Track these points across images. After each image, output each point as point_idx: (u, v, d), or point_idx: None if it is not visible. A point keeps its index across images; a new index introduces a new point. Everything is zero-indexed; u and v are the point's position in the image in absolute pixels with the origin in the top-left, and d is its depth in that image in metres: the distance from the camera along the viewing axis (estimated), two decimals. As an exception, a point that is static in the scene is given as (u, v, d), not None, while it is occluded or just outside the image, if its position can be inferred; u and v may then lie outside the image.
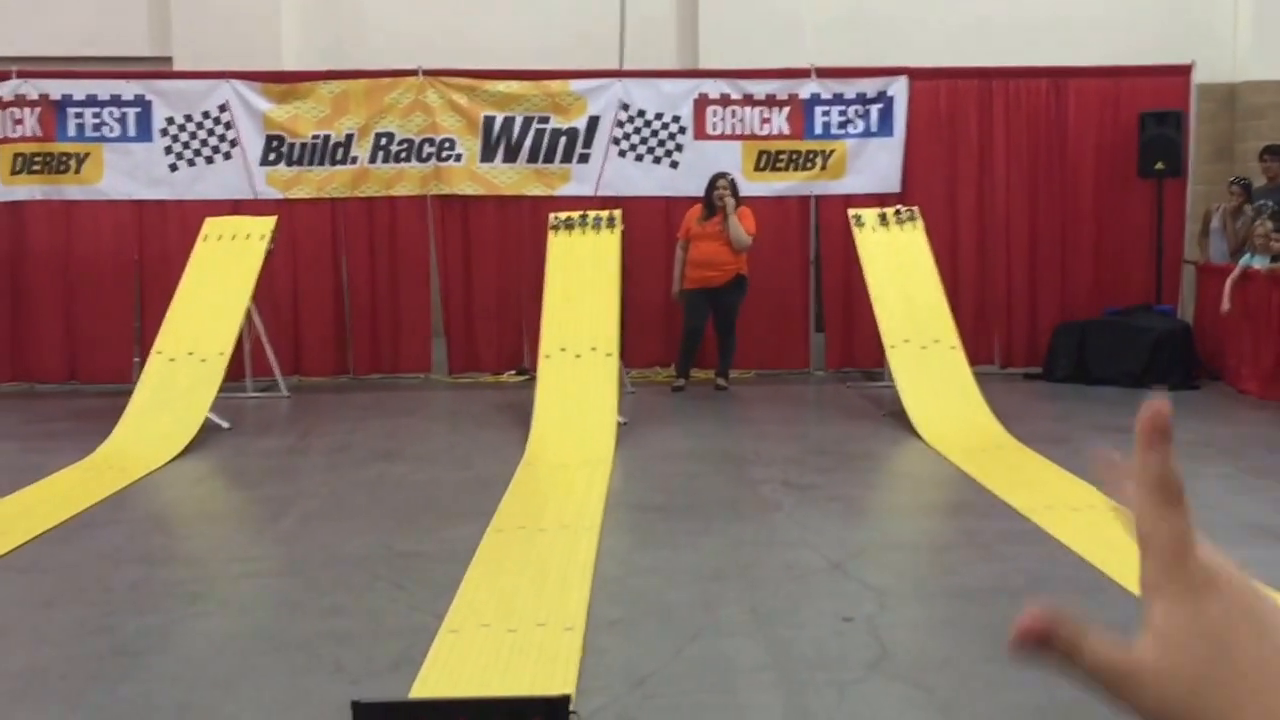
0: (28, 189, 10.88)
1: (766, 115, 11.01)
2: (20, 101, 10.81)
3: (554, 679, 3.84)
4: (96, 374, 10.83)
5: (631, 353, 10.81)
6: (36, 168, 10.87)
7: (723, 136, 10.99)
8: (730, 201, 9.93)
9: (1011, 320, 11.21)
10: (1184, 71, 11.02)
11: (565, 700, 3.24)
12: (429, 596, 4.77)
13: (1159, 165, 10.70)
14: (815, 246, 11.28)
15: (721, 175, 10.06)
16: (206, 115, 10.87)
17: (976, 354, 10.46)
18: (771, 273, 10.96)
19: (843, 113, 11.01)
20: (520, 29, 12.28)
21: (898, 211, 10.17)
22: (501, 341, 11.21)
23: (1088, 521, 5.84)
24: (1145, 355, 10.13)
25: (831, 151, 11.03)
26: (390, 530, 5.85)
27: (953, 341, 9.21)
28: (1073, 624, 0.66)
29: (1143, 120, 10.77)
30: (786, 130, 11.02)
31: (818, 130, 11.02)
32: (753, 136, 10.99)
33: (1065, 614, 0.66)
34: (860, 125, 11.01)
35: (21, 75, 10.85)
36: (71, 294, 10.93)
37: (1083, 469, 6.92)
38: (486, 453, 7.81)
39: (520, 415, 8.67)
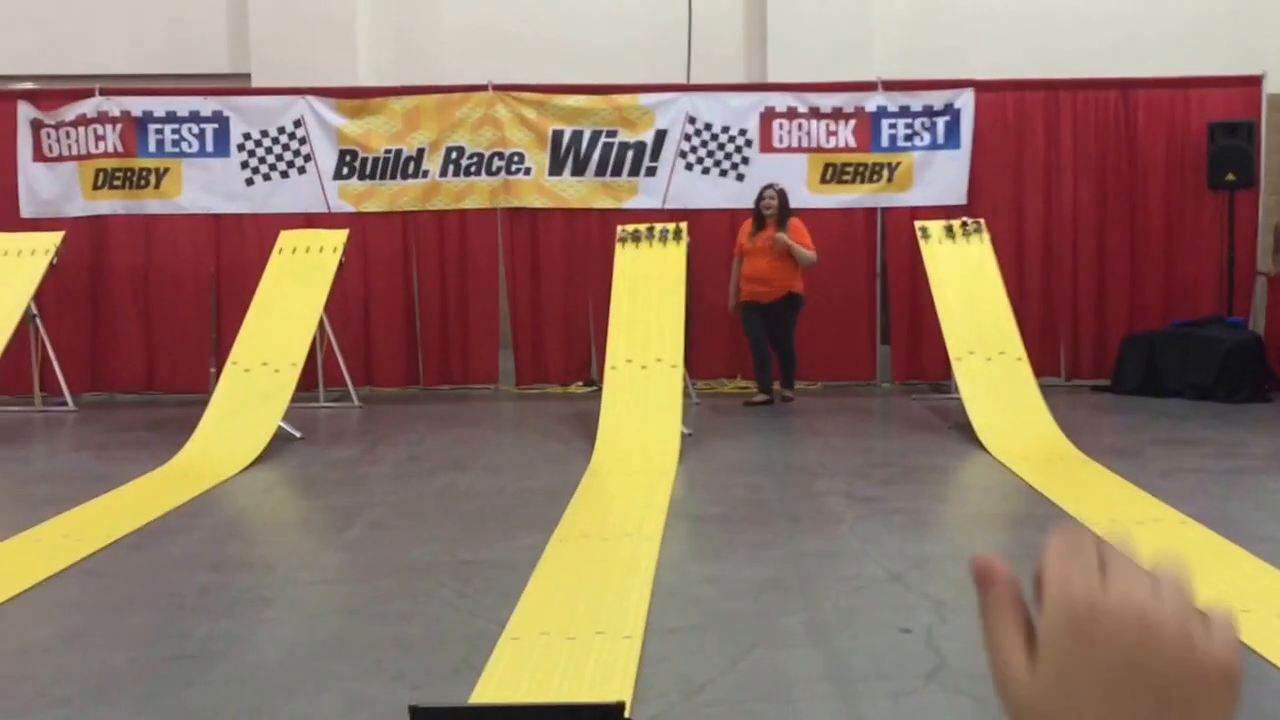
0: (109, 204, 11.12)
1: (833, 128, 10.99)
2: (103, 118, 11.05)
3: (611, 686, 3.86)
4: (174, 384, 11.04)
5: (697, 364, 10.83)
6: (118, 183, 11.10)
7: (789, 149, 10.99)
8: (782, 238, 9.75)
9: (1078, 332, 11.09)
10: (1255, 82, 10.85)
11: (620, 707, 3.25)
12: (491, 604, 4.81)
13: (1230, 177, 10.54)
14: (881, 258, 11.23)
15: (769, 186, 10.02)
16: (282, 131, 11.05)
17: (1043, 366, 10.39)
18: (837, 284, 10.93)
19: (909, 125, 10.97)
20: (590, 40, 12.38)
21: (964, 223, 10.12)
22: (568, 353, 11.26)
23: (1152, 535, 5.75)
24: (1215, 367, 9.97)
25: (898, 164, 10.99)
26: (456, 539, 5.91)
27: (1018, 353, 9.13)
28: (1008, 598, 0.66)
29: (1212, 131, 10.61)
30: (853, 143, 11.00)
31: (884, 143, 10.98)
32: (819, 149, 10.98)
33: (1010, 582, 0.67)
34: (927, 138, 10.96)
35: (104, 93, 11.10)
36: (150, 306, 11.15)
37: (1149, 483, 6.84)
38: (552, 463, 7.86)
39: (586, 426, 8.71)
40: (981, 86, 10.98)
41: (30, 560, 5.58)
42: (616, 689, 3.84)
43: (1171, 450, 8.01)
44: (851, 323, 11.11)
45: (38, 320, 10.16)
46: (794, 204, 10.35)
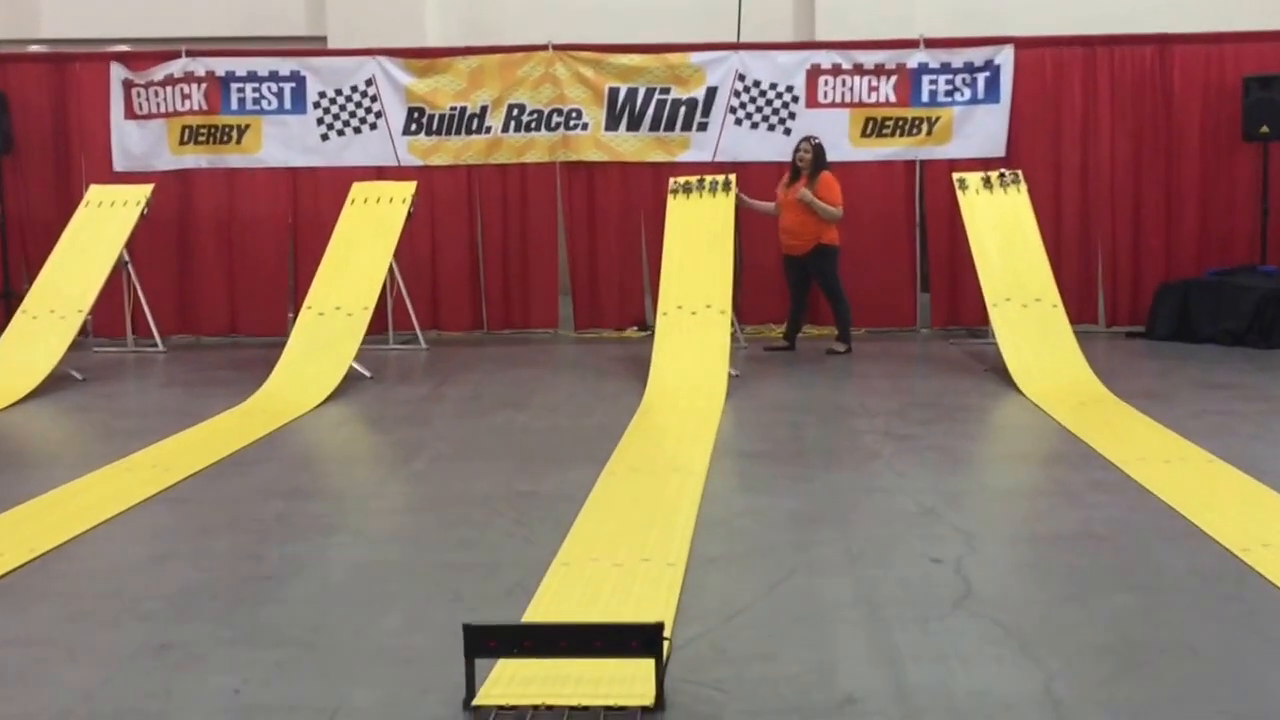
0: (194, 158, 11.21)
1: (875, 84, 10.87)
2: (188, 78, 11.12)
3: (654, 610, 3.89)
4: (254, 327, 11.17)
5: (745, 310, 10.81)
6: (202, 138, 11.19)
7: (833, 105, 10.88)
8: (805, 193, 9.58)
9: (1116, 281, 10.92)
10: (1288, 36, 10.58)
11: (659, 627, 3.27)
12: (545, 532, 4.85)
13: (1264, 129, 10.30)
14: (920, 209, 11.12)
15: (805, 139, 9.89)
16: (354, 89, 11.08)
17: (1080, 313, 10.31)
18: (878, 235, 10.87)
19: (950, 81, 10.81)
20: (645, 3, 12.31)
21: (1002, 175, 9.97)
22: (623, 299, 11.27)
23: (1179, 473, 5.69)
24: (1248, 314, 9.78)
25: (938, 118, 10.84)
26: (513, 472, 5.95)
27: (1054, 300, 9.02)
28: None
29: (1246, 85, 10.37)
30: (894, 98, 10.87)
31: (924, 98, 10.84)
32: (860, 104, 10.87)
33: None
34: (966, 93, 10.81)
35: (190, 54, 11.16)
36: (232, 254, 11.27)
37: (1178, 423, 6.75)
38: (606, 402, 7.90)
39: (639, 368, 8.73)
40: (1021, 43, 10.79)
41: (124, 487, 5.70)
42: (659, 611, 3.87)
43: (1203, 393, 7.89)
44: (893, 271, 11.02)
45: (130, 267, 10.29)
46: (836, 157, 10.24)
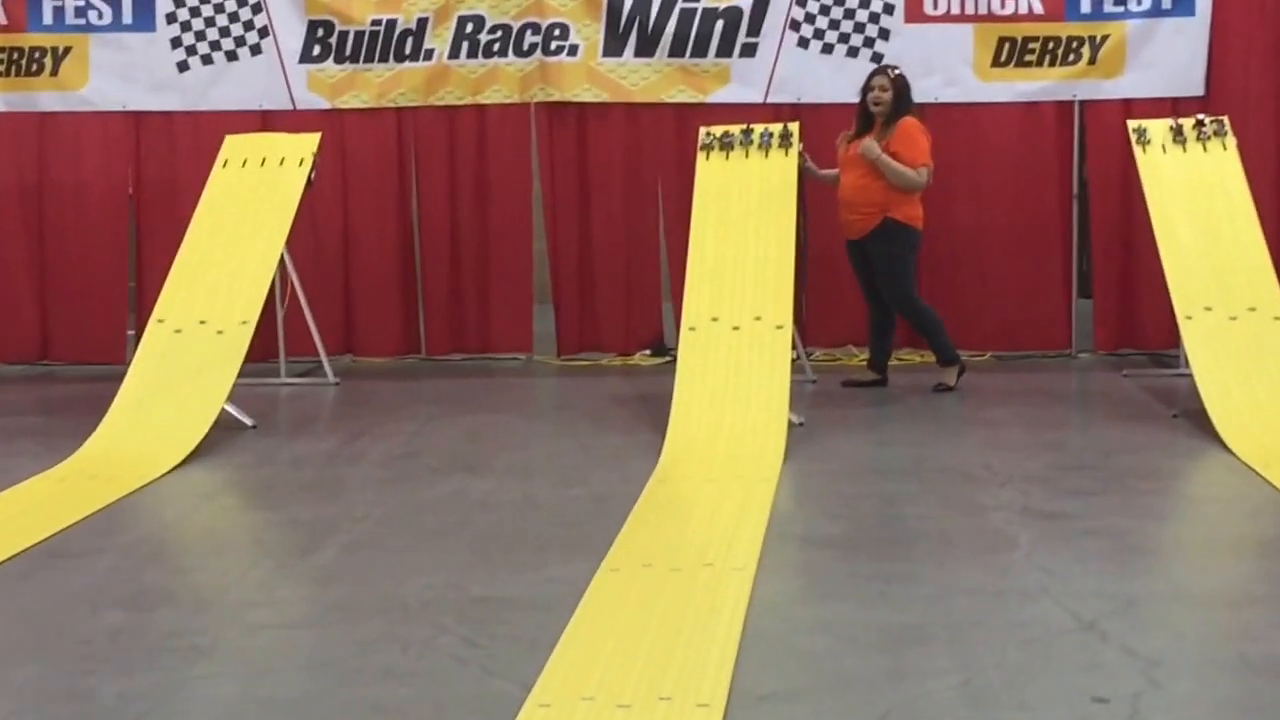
0: (-14, 96, 11.32)
1: (1012, -16, 10.97)
2: (-26, -23, 11.25)
3: (678, 774, 3.90)
4: (76, 351, 11.26)
5: (814, 326, 10.85)
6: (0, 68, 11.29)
7: (947, 17, 11.01)
8: (870, 146, 9.60)
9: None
10: None
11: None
12: (513, 658, 4.86)
13: None
14: (1080, 174, 11.16)
15: (881, 72, 9.94)
16: (228, -7, 11.19)
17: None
18: (1016, 212, 10.93)
19: (1123, -21, 10.92)
20: None
21: (1199, 123, 10.02)
22: (631, 309, 11.36)
23: None
24: None
25: (1105, 37, 10.94)
26: (465, 567, 5.97)
27: (1278, 310, 9.04)
28: None
29: None
30: (1039, 8, 10.96)
31: (1085, 8, 10.95)
32: (990, 17, 10.99)
33: None
34: (1146, 0, 10.86)
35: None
36: (44, 241, 11.35)
37: None
38: (604, 463, 7.92)
39: (654, 411, 8.76)
40: (1229, -75, 10.90)
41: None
42: (685, 777, 3.88)
43: None
44: (1036, 267, 11.10)
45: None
46: (957, 95, 10.38)
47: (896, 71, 9.93)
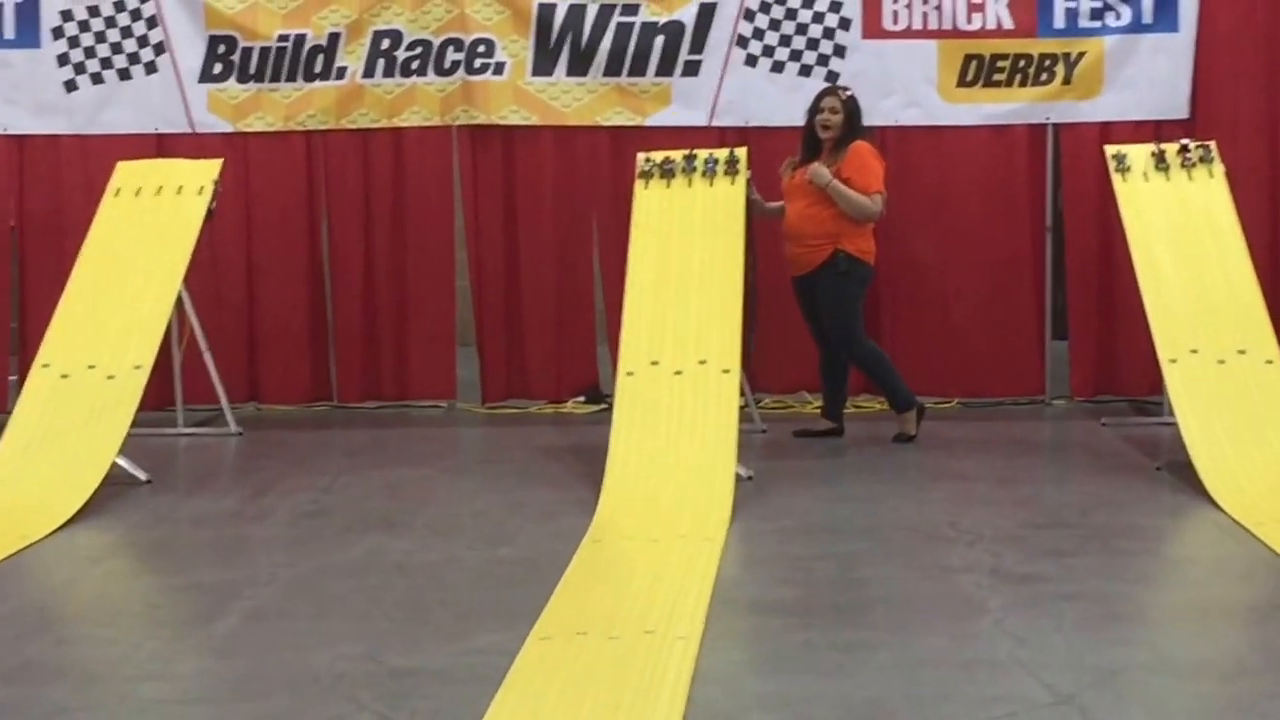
0: None
1: (977, 0, 11.02)
2: None
3: None
4: (-51, 398, 11.16)
5: (764, 370, 10.87)
6: None
7: (908, 33, 11.08)
8: (820, 172, 9.58)
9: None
10: None
11: None
12: (435, 737, 4.86)
13: None
14: (1054, 204, 11.25)
15: (830, 92, 9.96)
16: (120, 7, 11.20)
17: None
18: (984, 245, 10.98)
19: (1098, -6, 11.02)
20: None
21: (1184, 149, 10.09)
22: (563, 352, 11.39)
23: None
24: None
25: (1080, 55, 11.04)
26: (382, 637, 5.95)
27: (1270, 352, 9.11)
28: None
29: None
30: (1009, 23, 11.03)
31: (1058, 22, 11.05)
32: (955, 33, 11.07)
33: None
34: (1126, 14, 11.01)
35: None
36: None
37: None
38: (535, 521, 7.91)
39: (589, 464, 8.77)
40: (1212, -65, 11.02)
41: None
42: None
43: None
44: (1007, 306, 11.17)
45: None
46: (919, 117, 10.50)
47: (848, 93, 9.94)
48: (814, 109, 9.88)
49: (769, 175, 10.20)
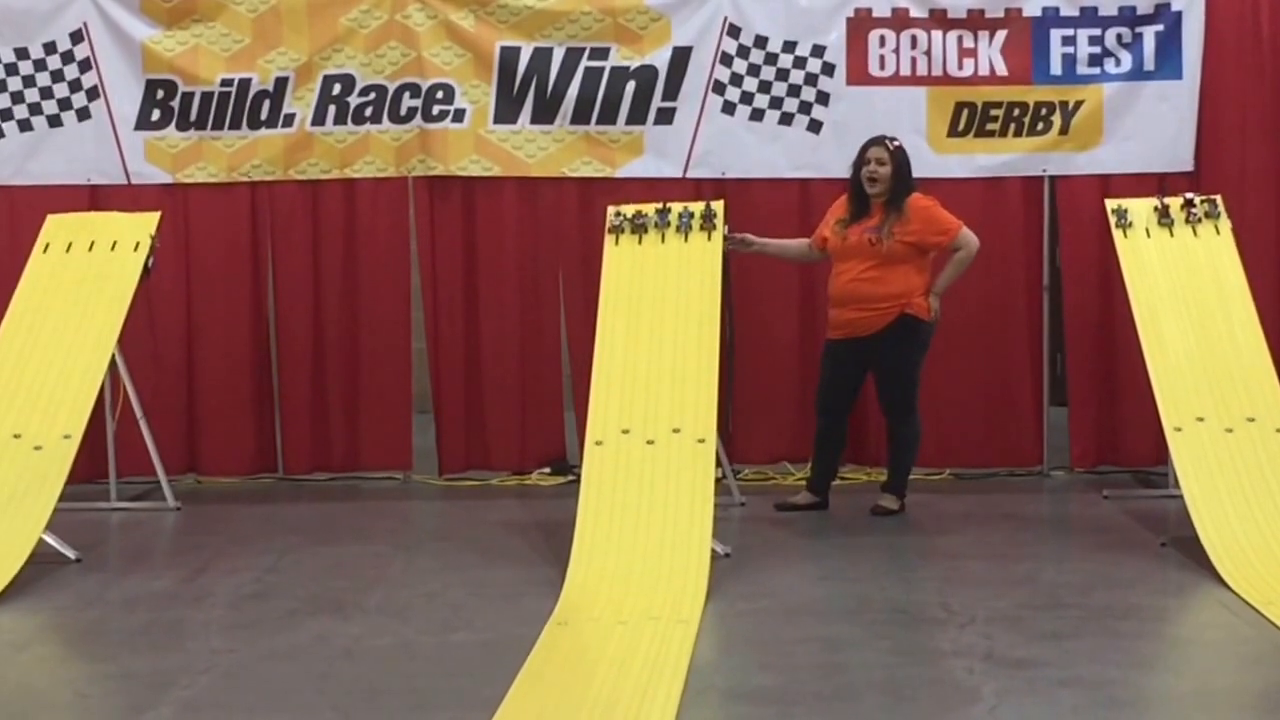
0: None
1: (969, 45, 11.09)
2: None
3: None
4: None
5: (742, 440, 10.87)
6: None
7: (896, 79, 11.12)
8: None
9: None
10: None
11: None
12: (385, 838, 4.83)
13: None
14: (1051, 261, 11.29)
15: (877, 143, 9.95)
16: (51, 49, 11.20)
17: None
18: (977, 304, 10.98)
19: (1096, 40, 11.10)
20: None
21: (1188, 203, 10.13)
22: (527, 420, 11.38)
23: None
24: None
25: (1079, 103, 11.10)
26: (329, 729, 5.93)
27: (1280, 420, 9.16)
28: None
29: None
30: (1003, 70, 11.09)
31: (1055, 69, 11.11)
32: (946, 79, 11.12)
33: None
34: (1126, 60, 11.07)
35: None
36: None
37: None
38: (495, 603, 7.89)
39: (554, 541, 8.77)
40: (1216, -21, 11.11)
41: None
42: None
43: None
44: (1002, 370, 11.20)
45: None
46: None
47: (895, 143, 9.90)
48: (859, 162, 9.85)
49: (747, 226, 10.19)
